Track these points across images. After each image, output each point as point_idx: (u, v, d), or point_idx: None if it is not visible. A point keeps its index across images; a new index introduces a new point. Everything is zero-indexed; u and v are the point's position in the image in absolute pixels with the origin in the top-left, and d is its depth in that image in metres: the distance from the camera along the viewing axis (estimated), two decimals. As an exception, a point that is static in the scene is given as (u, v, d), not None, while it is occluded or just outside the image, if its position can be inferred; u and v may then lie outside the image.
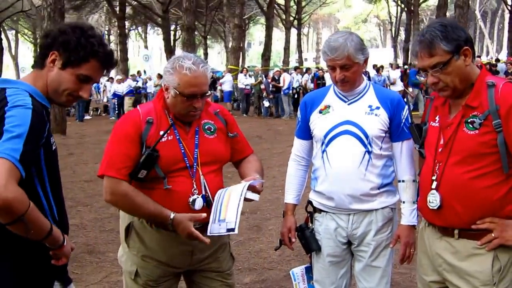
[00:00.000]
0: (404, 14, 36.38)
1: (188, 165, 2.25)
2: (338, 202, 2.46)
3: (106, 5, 30.67)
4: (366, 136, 2.43)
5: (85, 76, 1.83)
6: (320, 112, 2.53)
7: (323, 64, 20.62)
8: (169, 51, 24.78)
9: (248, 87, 19.54)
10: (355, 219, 2.47)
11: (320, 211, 2.56)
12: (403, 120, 2.46)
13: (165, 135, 2.23)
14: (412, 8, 29.69)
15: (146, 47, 41.77)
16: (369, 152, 2.43)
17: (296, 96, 18.59)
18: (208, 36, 38.33)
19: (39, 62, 1.85)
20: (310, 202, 2.61)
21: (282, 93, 18.01)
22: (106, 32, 40.73)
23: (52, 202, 1.84)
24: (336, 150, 2.45)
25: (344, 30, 2.69)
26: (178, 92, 2.20)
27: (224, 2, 28.20)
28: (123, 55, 28.53)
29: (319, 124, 2.51)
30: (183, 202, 2.21)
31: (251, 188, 2.20)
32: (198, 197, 2.22)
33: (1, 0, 23.90)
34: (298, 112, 2.66)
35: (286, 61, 30.51)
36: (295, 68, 21.08)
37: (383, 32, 65.24)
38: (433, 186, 2.07)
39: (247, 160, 2.49)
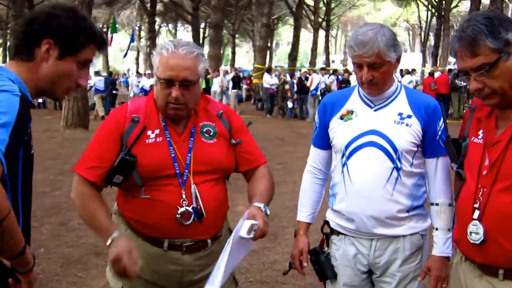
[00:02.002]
0: (434, 19, 35.65)
1: (178, 172, 1.98)
2: (359, 224, 2.14)
3: (138, 1, 31.17)
4: (395, 150, 2.10)
5: (84, 60, 1.66)
6: (342, 118, 2.21)
7: (350, 67, 20.23)
8: (198, 48, 25.20)
9: (274, 87, 19.31)
10: (378, 245, 2.15)
11: (338, 233, 2.24)
12: (439, 133, 2.12)
13: (154, 136, 2.00)
14: (442, 13, 29.04)
15: (175, 43, 42.06)
16: (398, 169, 2.10)
17: (322, 98, 18.23)
18: (236, 35, 38.46)
19: (24, 53, 1.57)
20: (326, 222, 2.29)
21: (309, 94, 17.70)
22: (137, 28, 41.45)
23: (20, 210, 1.57)
24: (358, 164, 2.12)
25: (374, 22, 2.36)
26: (156, 77, 1.98)
27: (253, 1, 28.28)
28: (152, 50, 29.11)
29: (339, 132, 2.19)
30: (170, 214, 1.96)
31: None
32: (188, 209, 1.95)
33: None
34: (316, 116, 2.33)
35: (313, 62, 30.33)
36: (321, 69, 20.76)
37: (412, 36, 64.19)
38: (475, 215, 1.73)
39: (255, 177, 2.16)
